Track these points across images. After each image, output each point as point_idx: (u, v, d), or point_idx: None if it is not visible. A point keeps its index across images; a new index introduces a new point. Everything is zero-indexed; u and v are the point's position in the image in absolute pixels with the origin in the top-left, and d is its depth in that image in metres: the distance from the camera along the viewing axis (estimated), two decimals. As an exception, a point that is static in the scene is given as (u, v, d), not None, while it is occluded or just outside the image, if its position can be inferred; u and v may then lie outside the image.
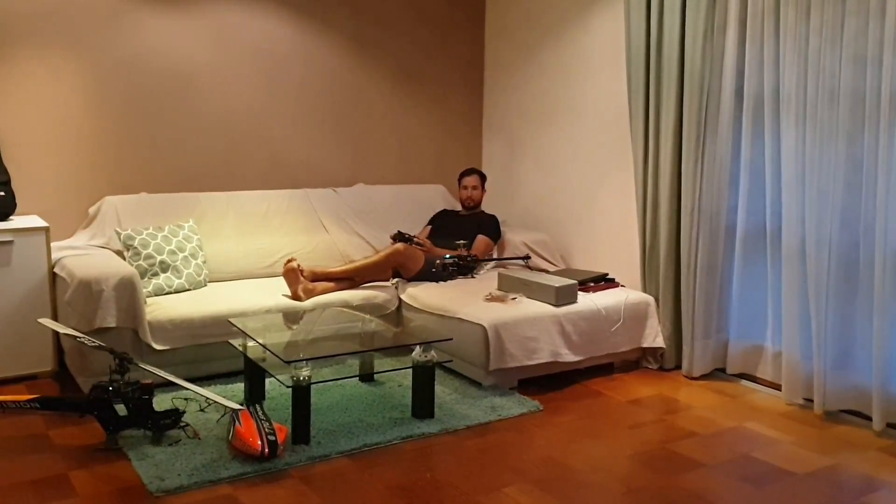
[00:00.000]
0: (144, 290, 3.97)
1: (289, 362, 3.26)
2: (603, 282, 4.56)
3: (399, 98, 5.54)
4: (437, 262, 4.60)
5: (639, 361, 4.50)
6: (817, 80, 3.66)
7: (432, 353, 3.60)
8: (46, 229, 4.05)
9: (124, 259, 4.15)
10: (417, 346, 3.61)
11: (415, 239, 4.69)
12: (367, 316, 4.14)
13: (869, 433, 3.59)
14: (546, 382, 4.15)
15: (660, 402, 3.96)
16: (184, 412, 3.40)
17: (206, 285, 4.39)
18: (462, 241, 4.80)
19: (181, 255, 4.28)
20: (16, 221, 4.13)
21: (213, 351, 3.98)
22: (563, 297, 4.19)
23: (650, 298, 4.41)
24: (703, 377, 4.30)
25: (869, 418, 3.64)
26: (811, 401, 3.83)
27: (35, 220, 4.18)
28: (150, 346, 3.81)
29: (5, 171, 4.24)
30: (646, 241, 4.45)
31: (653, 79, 4.33)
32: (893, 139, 3.42)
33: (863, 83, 3.51)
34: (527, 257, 4.96)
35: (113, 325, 3.71)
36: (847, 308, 3.69)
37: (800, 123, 3.76)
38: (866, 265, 3.58)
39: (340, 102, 5.33)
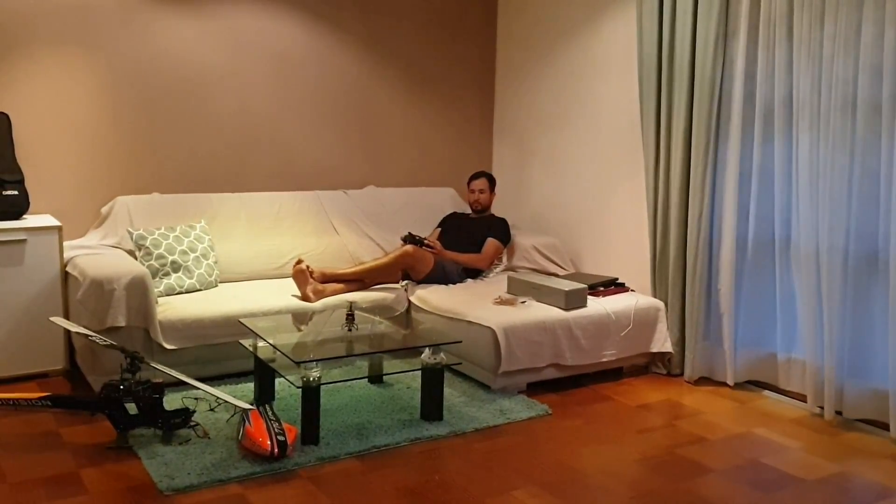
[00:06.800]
0: (156, 290, 3.99)
1: (298, 363, 3.27)
2: (613, 286, 4.56)
3: (410, 101, 5.55)
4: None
5: (648, 366, 4.50)
6: (831, 88, 3.65)
7: (441, 355, 3.61)
8: (59, 228, 4.07)
9: (136, 259, 4.18)
10: (426, 349, 3.62)
11: (425, 241, 4.70)
12: (377, 318, 4.15)
13: (881, 440, 3.57)
14: (555, 386, 4.15)
15: (668, 407, 3.96)
16: (194, 411, 3.41)
17: (217, 285, 4.41)
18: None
19: (192, 255, 4.30)
20: (29, 220, 4.16)
21: (223, 351, 4.00)
22: (573, 301, 4.19)
23: (660, 304, 4.40)
24: (712, 382, 4.29)
25: (882, 426, 3.63)
26: (822, 407, 3.82)
27: (48, 220, 4.20)
28: (160, 346, 3.83)
29: (19, 171, 4.27)
30: (656, 246, 4.44)
31: (664, 84, 4.33)
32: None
33: (878, 92, 3.50)
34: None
35: (124, 324, 3.73)
36: (861, 316, 3.67)
37: (813, 130, 3.75)
38: (881, 273, 3.57)
39: (352, 105, 5.34)
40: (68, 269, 4.04)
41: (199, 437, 3.34)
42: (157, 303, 3.90)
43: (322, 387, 3.36)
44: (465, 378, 4.17)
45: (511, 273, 4.73)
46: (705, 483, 3.13)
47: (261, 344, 3.67)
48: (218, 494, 2.90)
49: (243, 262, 4.64)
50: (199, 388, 3.28)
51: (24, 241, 3.97)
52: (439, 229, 5.22)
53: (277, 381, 3.83)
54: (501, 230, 5.06)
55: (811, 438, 3.61)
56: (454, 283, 4.70)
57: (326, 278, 4.40)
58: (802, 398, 3.94)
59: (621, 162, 4.85)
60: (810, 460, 3.37)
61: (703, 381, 4.31)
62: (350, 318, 3.72)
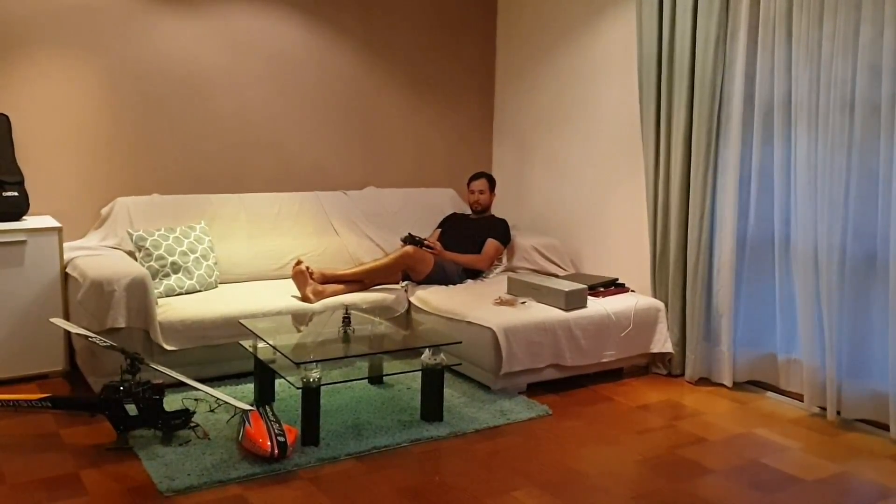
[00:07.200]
0: (156, 291, 3.99)
1: (298, 364, 3.27)
2: (613, 287, 4.56)
3: (410, 102, 5.55)
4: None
5: (648, 367, 4.50)
6: (829, 88, 3.65)
7: (441, 356, 3.61)
8: (59, 229, 4.07)
9: (136, 260, 4.18)
10: (427, 349, 3.62)
11: (425, 242, 4.70)
12: (377, 318, 4.15)
13: (881, 441, 3.57)
14: (555, 387, 4.14)
15: (669, 408, 3.96)
16: (194, 412, 3.41)
17: (216, 286, 4.41)
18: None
19: (192, 256, 4.30)
20: (29, 221, 4.16)
21: (223, 352, 4.00)
22: (573, 301, 4.19)
23: (660, 304, 4.40)
24: (712, 383, 4.29)
25: (882, 426, 3.63)
26: (823, 408, 3.82)
27: (48, 221, 4.20)
28: (160, 347, 3.83)
29: (19, 172, 4.27)
30: (656, 247, 4.44)
31: (664, 84, 4.33)
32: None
33: (877, 92, 3.50)
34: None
35: (124, 325, 3.73)
36: (860, 316, 3.67)
37: (812, 131, 3.75)
38: (880, 273, 3.57)
39: (352, 106, 5.34)
40: (68, 270, 4.04)
41: (199, 438, 3.34)
42: (157, 304, 3.90)
43: (322, 388, 3.36)
44: (465, 379, 4.17)
45: (511, 274, 4.72)
46: (705, 483, 3.13)
47: (261, 345, 3.67)
48: (218, 495, 2.90)
49: (243, 262, 4.64)
50: (198, 389, 3.29)
51: (24, 242, 3.97)
52: (439, 230, 5.22)
53: (277, 381, 3.83)
54: (501, 231, 5.06)
55: (811, 439, 3.60)
56: (454, 284, 4.70)
57: (326, 279, 4.40)
58: (802, 398, 3.94)
59: (621, 162, 4.85)
60: (810, 461, 3.37)
61: (703, 381, 4.31)
62: (346, 321, 3.72)
